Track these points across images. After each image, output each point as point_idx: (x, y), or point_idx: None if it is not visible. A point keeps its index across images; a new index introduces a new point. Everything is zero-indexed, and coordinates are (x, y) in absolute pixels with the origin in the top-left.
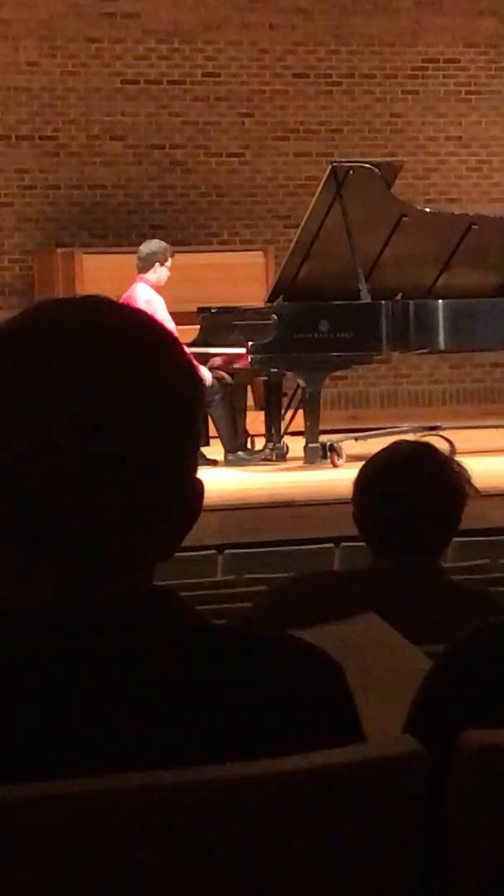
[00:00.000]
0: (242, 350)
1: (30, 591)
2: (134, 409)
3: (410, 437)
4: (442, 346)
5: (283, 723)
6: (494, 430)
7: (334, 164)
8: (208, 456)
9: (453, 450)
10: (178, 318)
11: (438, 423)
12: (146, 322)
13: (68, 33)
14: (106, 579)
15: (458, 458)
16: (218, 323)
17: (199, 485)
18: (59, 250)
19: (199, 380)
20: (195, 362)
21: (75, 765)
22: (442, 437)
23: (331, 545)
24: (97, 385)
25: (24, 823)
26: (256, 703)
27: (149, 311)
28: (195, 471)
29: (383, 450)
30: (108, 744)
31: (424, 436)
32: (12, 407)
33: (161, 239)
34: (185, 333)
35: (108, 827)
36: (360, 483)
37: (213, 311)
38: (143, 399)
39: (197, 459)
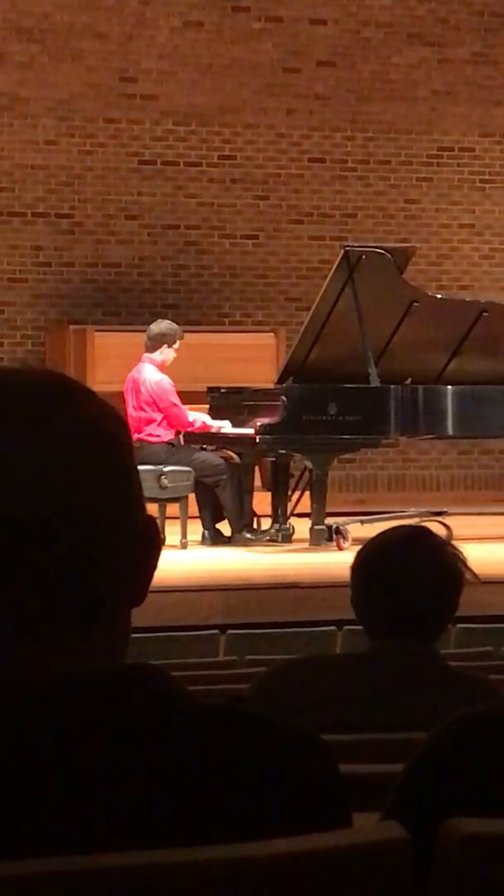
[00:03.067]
0: (251, 431)
1: None
2: (68, 462)
3: (415, 521)
4: (450, 431)
5: (269, 805)
6: (502, 516)
7: (347, 248)
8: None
9: (450, 534)
10: (187, 397)
11: (445, 509)
12: (52, 378)
13: (87, 113)
14: (78, 651)
15: (457, 543)
16: (227, 403)
17: (151, 521)
18: (71, 327)
19: (120, 416)
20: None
21: (52, 845)
22: (440, 522)
23: (333, 628)
24: (25, 453)
25: None
26: (240, 784)
27: (159, 390)
28: (143, 508)
29: (379, 534)
30: (86, 825)
31: (423, 521)
32: None
33: (173, 318)
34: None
35: None
36: (356, 567)
37: (222, 390)
38: (75, 450)
39: (142, 496)
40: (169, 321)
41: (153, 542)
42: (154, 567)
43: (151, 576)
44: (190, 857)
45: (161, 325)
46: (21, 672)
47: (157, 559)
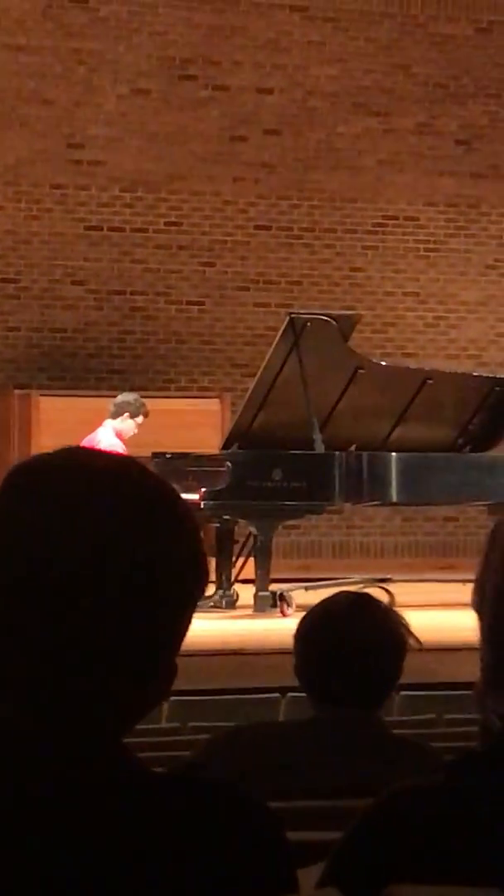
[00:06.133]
0: (195, 496)
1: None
2: (121, 580)
3: (359, 588)
4: (395, 498)
5: (220, 871)
6: (445, 584)
7: (292, 315)
8: None
9: (392, 601)
10: None
11: (389, 576)
12: (167, 493)
13: (33, 178)
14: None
15: (400, 609)
16: (172, 468)
17: (174, 669)
18: (16, 391)
19: (199, 550)
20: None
21: None
22: (382, 588)
23: (277, 695)
24: (91, 554)
25: None
26: (191, 851)
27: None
28: (176, 653)
29: (322, 601)
30: (46, 884)
31: (365, 587)
32: (8, 570)
33: (119, 384)
34: None
35: None
36: (299, 635)
37: (167, 456)
38: (132, 570)
39: (180, 644)
40: (137, 395)
41: (167, 688)
42: (153, 706)
43: (146, 712)
44: None
45: (127, 396)
46: None
47: (158, 702)
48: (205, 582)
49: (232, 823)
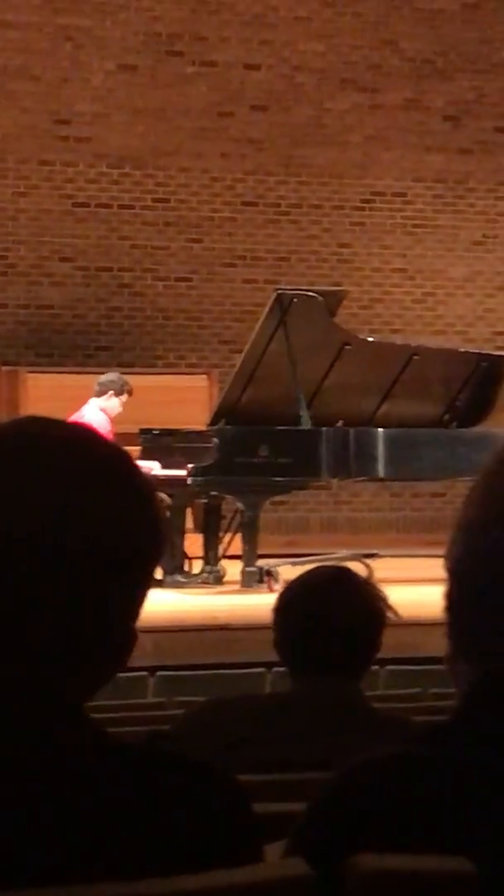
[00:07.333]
0: (183, 472)
1: None
2: (77, 547)
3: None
4: (382, 474)
5: (181, 842)
6: (433, 559)
7: (279, 291)
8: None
9: (371, 574)
10: (120, 438)
11: (376, 551)
12: (96, 453)
13: (20, 155)
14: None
15: (380, 583)
16: (159, 445)
17: (133, 636)
18: (4, 368)
19: (156, 518)
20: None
21: None
22: (362, 562)
23: (263, 670)
24: (45, 522)
25: None
26: (153, 821)
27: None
28: (135, 619)
29: (300, 576)
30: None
31: (342, 560)
32: None
33: (106, 361)
34: None
35: None
36: (278, 608)
37: (154, 432)
38: (88, 538)
39: (139, 609)
40: (119, 374)
41: (124, 657)
42: (109, 677)
43: (103, 683)
44: (99, 894)
45: (110, 375)
46: None
47: (115, 672)
48: (162, 548)
49: (193, 793)
